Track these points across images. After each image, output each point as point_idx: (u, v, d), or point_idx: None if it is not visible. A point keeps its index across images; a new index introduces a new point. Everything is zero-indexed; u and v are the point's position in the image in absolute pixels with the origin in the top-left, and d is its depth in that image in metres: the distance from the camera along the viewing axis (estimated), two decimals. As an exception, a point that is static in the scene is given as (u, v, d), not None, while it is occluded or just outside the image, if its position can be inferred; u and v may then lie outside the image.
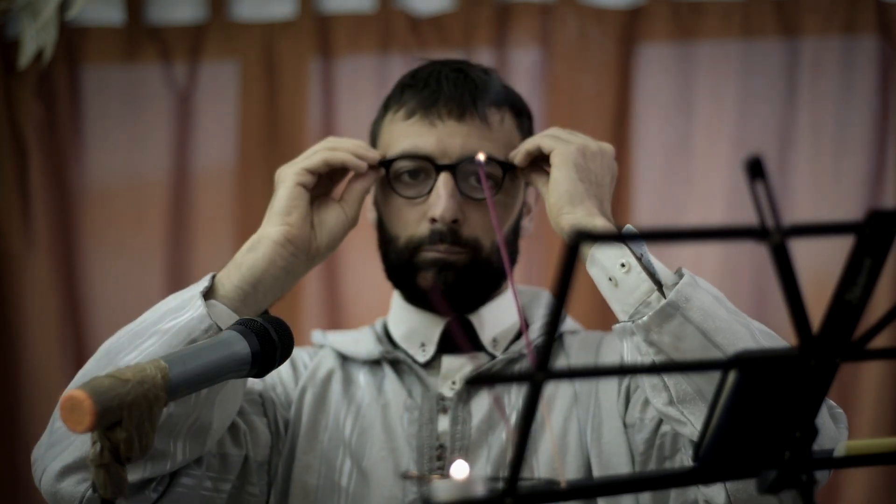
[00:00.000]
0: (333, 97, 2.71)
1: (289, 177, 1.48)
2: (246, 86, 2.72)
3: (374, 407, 1.53)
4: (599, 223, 1.37)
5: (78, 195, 2.73)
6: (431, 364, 1.56)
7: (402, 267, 1.55)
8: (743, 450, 0.87)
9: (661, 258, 1.33)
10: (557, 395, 1.51)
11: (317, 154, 1.50)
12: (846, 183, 2.61)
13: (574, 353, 1.57)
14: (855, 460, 0.91)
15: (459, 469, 0.98)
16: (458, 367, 1.54)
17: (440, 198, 1.47)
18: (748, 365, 0.82)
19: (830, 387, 0.83)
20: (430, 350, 1.57)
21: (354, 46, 2.70)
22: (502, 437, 1.47)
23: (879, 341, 0.81)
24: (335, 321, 2.68)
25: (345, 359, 1.62)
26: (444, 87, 1.51)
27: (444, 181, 1.48)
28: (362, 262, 2.71)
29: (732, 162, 2.62)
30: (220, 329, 1.30)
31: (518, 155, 1.49)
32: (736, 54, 2.65)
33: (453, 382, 1.52)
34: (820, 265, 2.42)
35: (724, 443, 0.86)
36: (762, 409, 0.84)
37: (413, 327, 1.60)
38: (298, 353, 1.63)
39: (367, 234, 2.77)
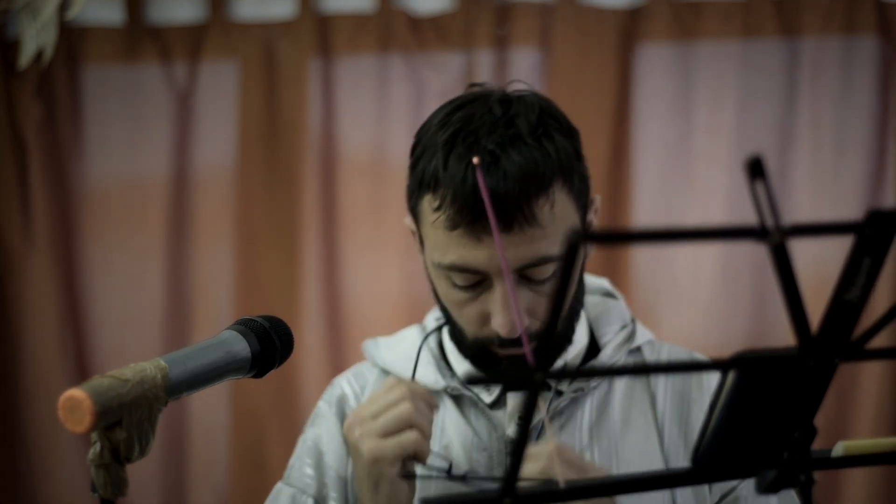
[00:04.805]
0: (333, 97, 2.71)
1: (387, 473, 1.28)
2: (246, 86, 2.72)
3: (434, 446, 1.39)
4: None
5: (78, 195, 2.73)
6: (497, 402, 1.43)
7: (474, 356, 1.41)
8: (742, 450, 0.87)
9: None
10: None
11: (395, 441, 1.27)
12: (846, 183, 2.61)
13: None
14: (854, 460, 0.91)
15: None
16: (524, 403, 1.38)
17: (501, 317, 1.32)
18: (747, 365, 0.82)
19: (829, 387, 0.83)
20: (497, 389, 1.43)
21: (354, 46, 2.70)
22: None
23: (879, 341, 0.81)
24: (335, 321, 2.68)
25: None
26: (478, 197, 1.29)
27: (501, 295, 1.32)
28: (362, 260, 2.71)
29: (732, 162, 2.62)
30: None
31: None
32: (736, 54, 2.65)
33: (520, 418, 1.35)
34: (817, 265, 2.42)
35: (724, 443, 0.86)
36: (761, 409, 0.85)
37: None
38: (343, 387, 1.50)
39: (367, 232, 2.80)
